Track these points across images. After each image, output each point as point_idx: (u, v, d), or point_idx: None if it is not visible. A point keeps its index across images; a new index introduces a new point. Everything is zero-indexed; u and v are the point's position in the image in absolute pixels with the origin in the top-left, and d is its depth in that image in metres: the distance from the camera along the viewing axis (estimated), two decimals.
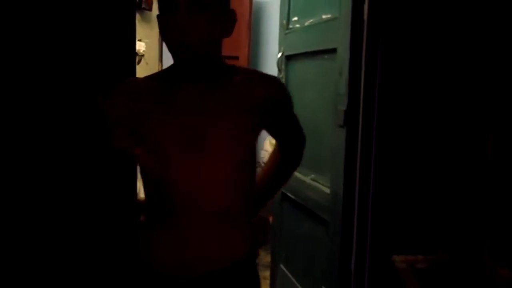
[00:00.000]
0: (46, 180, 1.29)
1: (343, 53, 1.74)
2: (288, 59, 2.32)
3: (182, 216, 1.12)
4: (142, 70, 2.66)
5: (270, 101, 1.17)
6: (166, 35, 1.08)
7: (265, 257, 3.16)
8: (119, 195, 1.37)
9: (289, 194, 2.24)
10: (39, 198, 1.29)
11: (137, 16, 2.47)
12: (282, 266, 2.40)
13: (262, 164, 2.55)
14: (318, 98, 2.03)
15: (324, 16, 1.95)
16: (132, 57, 1.43)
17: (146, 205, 1.20)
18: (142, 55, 3.06)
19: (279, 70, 2.38)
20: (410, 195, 1.64)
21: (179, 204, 1.12)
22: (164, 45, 4.18)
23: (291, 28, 2.29)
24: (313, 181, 2.05)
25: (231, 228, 1.15)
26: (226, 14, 1.11)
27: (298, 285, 2.20)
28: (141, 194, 1.23)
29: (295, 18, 2.24)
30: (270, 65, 3.53)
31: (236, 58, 3.72)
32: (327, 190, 1.91)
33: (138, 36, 1.43)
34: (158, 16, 1.09)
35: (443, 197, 1.61)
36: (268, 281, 2.63)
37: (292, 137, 1.35)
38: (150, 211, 1.19)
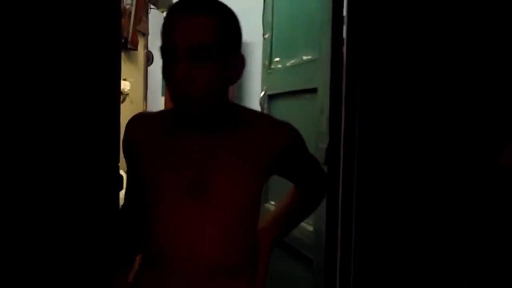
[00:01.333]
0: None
1: (324, 93, 1.79)
2: (270, 98, 2.37)
3: (176, 266, 1.05)
4: (126, 109, 2.68)
5: (284, 148, 1.09)
6: (169, 85, 1.00)
7: None
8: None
9: None
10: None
11: (123, 55, 2.52)
12: None
13: None
14: None
15: (304, 57, 2.01)
16: (117, 96, 1.45)
17: (146, 247, 1.13)
18: (127, 94, 3.09)
19: (262, 109, 2.42)
20: (393, 233, 1.65)
21: (173, 253, 1.05)
22: (149, 86, 4.19)
23: (273, 68, 2.35)
24: None
25: (228, 281, 1.07)
26: (232, 58, 1.02)
27: None
28: None
29: (277, 59, 2.30)
30: (253, 103, 3.59)
31: None
32: (310, 228, 1.92)
33: (123, 75, 1.45)
34: (162, 62, 1.01)
35: (427, 234, 1.63)
36: None
37: (313, 179, 1.25)
38: (147, 254, 1.12)
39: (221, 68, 0.99)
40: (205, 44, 0.95)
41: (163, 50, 0.98)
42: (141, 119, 1.14)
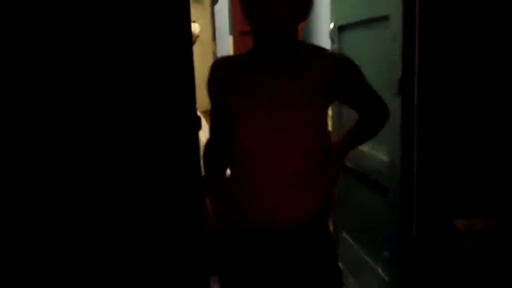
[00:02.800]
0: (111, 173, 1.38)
1: (396, 19, 1.72)
2: (341, 29, 2.31)
3: (259, 179, 1.27)
4: (197, 50, 2.73)
5: (340, 75, 1.29)
6: (250, 14, 1.20)
7: None
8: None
9: (348, 164, 2.26)
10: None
11: None
12: (344, 234, 2.44)
13: None
14: (373, 68, 2.00)
15: None
16: (189, 38, 1.48)
17: (231, 167, 1.37)
18: (198, 36, 3.14)
19: (332, 41, 2.38)
20: (469, 159, 1.62)
21: (256, 168, 1.27)
22: (216, 26, 4.21)
23: None
24: (371, 149, 2.06)
25: (304, 191, 1.29)
26: None
27: (361, 252, 2.24)
28: None
29: None
30: (324, 36, 3.50)
31: None
32: (386, 159, 1.92)
33: (192, 18, 1.48)
34: (243, 1, 1.20)
35: (503, 160, 1.58)
36: None
37: (373, 108, 1.44)
38: (233, 172, 1.36)
39: (297, 4, 1.19)
40: None
41: None
42: (223, 61, 1.40)
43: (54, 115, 1.23)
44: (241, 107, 1.27)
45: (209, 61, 3.96)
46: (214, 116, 1.42)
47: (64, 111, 1.24)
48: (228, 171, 1.44)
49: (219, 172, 1.45)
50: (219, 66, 1.37)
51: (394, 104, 1.77)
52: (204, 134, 1.69)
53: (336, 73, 1.28)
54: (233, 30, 4.50)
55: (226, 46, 4.37)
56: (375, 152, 2.03)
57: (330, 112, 1.56)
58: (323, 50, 1.37)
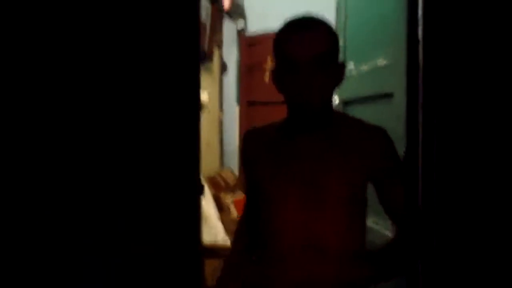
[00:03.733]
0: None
1: (400, 98, 1.76)
2: (345, 105, 2.36)
3: (291, 259, 1.19)
4: (204, 118, 2.78)
5: (377, 154, 1.24)
6: (287, 92, 1.18)
7: None
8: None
9: None
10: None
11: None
12: None
13: None
14: None
15: (379, 62, 1.99)
16: (198, 106, 1.51)
17: (258, 245, 1.28)
18: (205, 105, 3.21)
19: None
20: (475, 241, 1.58)
21: (288, 248, 1.19)
22: (224, 95, 4.33)
23: (347, 74, 2.33)
24: (374, 223, 2.03)
25: (352, 267, 1.20)
26: (337, 67, 1.22)
27: None
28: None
29: (351, 65, 2.29)
30: None
31: None
32: (390, 235, 1.89)
33: (201, 86, 1.52)
34: (276, 73, 1.20)
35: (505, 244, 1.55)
36: None
37: (401, 207, 1.35)
38: (262, 254, 1.27)
39: (330, 76, 1.18)
40: (325, 53, 1.15)
41: (283, 62, 1.17)
42: (254, 132, 1.36)
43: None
44: (274, 183, 1.22)
45: (215, 129, 4.03)
46: (248, 190, 1.38)
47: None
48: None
49: (247, 250, 1.38)
50: (251, 137, 1.34)
51: None
52: (206, 203, 1.68)
53: (375, 147, 1.24)
54: (240, 100, 4.61)
55: (233, 115, 4.45)
56: (379, 227, 2.00)
57: None
58: (357, 121, 1.32)
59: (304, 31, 1.15)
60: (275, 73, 1.21)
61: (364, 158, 1.21)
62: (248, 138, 1.34)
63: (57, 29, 1.24)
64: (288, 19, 1.21)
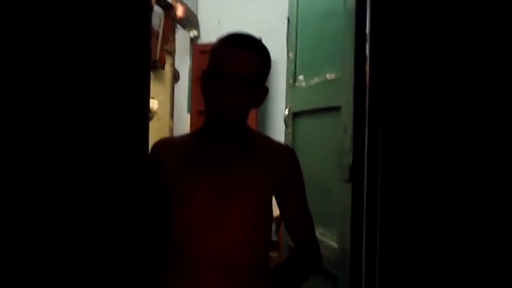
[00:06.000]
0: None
1: (347, 111, 1.81)
2: (294, 116, 2.40)
3: (204, 267, 1.21)
4: (154, 126, 2.74)
5: (285, 171, 1.30)
6: (208, 99, 1.22)
7: None
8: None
9: None
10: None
11: (151, 75, 2.59)
12: None
13: None
14: (324, 154, 2.08)
15: (328, 76, 2.04)
16: (146, 113, 1.49)
17: (171, 253, 1.29)
18: (155, 112, 3.17)
19: (286, 126, 2.45)
20: (418, 251, 1.64)
21: (202, 256, 1.21)
22: (175, 103, 4.27)
23: (297, 87, 2.38)
24: (321, 235, 2.07)
25: (254, 280, 1.24)
26: (260, 90, 1.27)
27: None
28: None
29: (301, 77, 2.34)
30: (278, 120, 3.61)
31: None
32: (335, 245, 1.92)
33: (151, 94, 1.50)
34: (204, 80, 1.23)
35: (454, 251, 1.62)
36: None
37: (303, 230, 1.41)
38: (174, 260, 1.28)
39: (252, 93, 1.23)
40: (251, 75, 1.20)
41: (213, 70, 1.20)
42: (166, 141, 1.39)
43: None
44: (187, 188, 1.24)
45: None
46: (154, 204, 1.35)
47: None
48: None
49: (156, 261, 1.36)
50: (162, 145, 1.35)
51: (344, 190, 1.82)
52: None
53: (280, 167, 1.29)
54: (191, 109, 4.58)
55: (184, 124, 4.42)
56: (324, 239, 2.03)
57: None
58: (268, 139, 1.38)
59: (239, 49, 1.20)
60: (202, 80, 1.25)
61: (272, 172, 1.27)
62: (159, 147, 1.34)
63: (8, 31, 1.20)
64: (230, 33, 1.26)
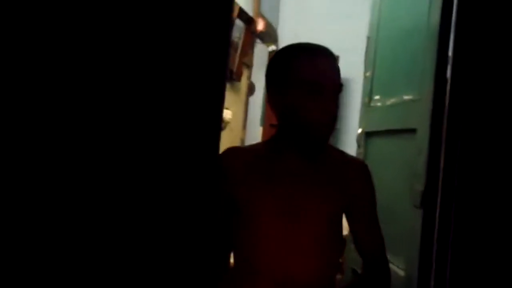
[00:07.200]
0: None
1: (423, 134, 1.75)
2: (367, 136, 2.35)
3: (267, 285, 1.16)
4: (226, 136, 2.80)
5: (357, 186, 1.26)
6: (298, 114, 1.17)
7: None
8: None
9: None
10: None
11: (227, 85, 2.65)
12: None
13: None
14: (395, 176, 2.01)
15: (405, 97, 1.98)
16: (219, 123, 1.52)
17: (234, 268, 1.25)
18: (228, 122, 3.23)
19: (358, 145, 2.41)
20: (490, 282, 1.54)
21: (265, 272, 1.17)
22: (248, 115, 4.31)
23: (372, 106, 2.33)
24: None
25: None
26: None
27: None
28: None
29: (377, 97, 2.29)
30: (350, 139, 3.55)
31: None
32: (402, 273, 1.85)
33: (225, 105, 1.53)
34: (282, 94, 1.20)
35: None
36: None
37: (373, 245, 1.33)
38: (235, 272, 1.25)
39: (339, 104, 1.22)
40: (341, 83, 1.20)
41: (301, 85, 1.16)
42: (236, 150, 1.34)
43: None
44: (253, 202, 1.19)
45: None
46: (218, 212, 1.30)
47: None
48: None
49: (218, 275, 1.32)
50: (234, 155, 1.28)
51: (415, 216, 1.75)
52: None
53: (353, 181, 1.26)
54: (264, 122, 4.63)
55: (256, 136, 4.47)
56: (391, 265, 1.96)
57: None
58: (342, 153, 1.33)
59: (327, 59, 1.19)
60: (277, 94, 1.23)
61: (345, 188, 1.23)
62: (229, 154, 1.27)
63: (89, 35, 1.28)
64: (302, 43, 1.23)
